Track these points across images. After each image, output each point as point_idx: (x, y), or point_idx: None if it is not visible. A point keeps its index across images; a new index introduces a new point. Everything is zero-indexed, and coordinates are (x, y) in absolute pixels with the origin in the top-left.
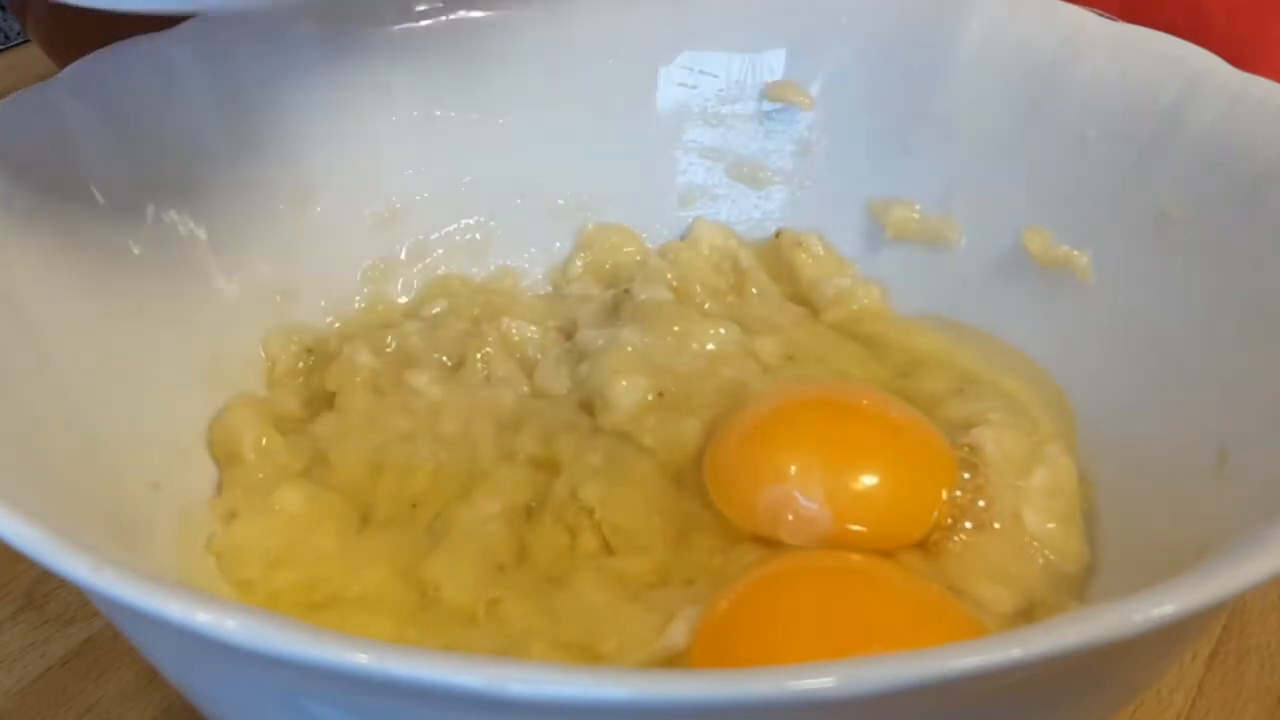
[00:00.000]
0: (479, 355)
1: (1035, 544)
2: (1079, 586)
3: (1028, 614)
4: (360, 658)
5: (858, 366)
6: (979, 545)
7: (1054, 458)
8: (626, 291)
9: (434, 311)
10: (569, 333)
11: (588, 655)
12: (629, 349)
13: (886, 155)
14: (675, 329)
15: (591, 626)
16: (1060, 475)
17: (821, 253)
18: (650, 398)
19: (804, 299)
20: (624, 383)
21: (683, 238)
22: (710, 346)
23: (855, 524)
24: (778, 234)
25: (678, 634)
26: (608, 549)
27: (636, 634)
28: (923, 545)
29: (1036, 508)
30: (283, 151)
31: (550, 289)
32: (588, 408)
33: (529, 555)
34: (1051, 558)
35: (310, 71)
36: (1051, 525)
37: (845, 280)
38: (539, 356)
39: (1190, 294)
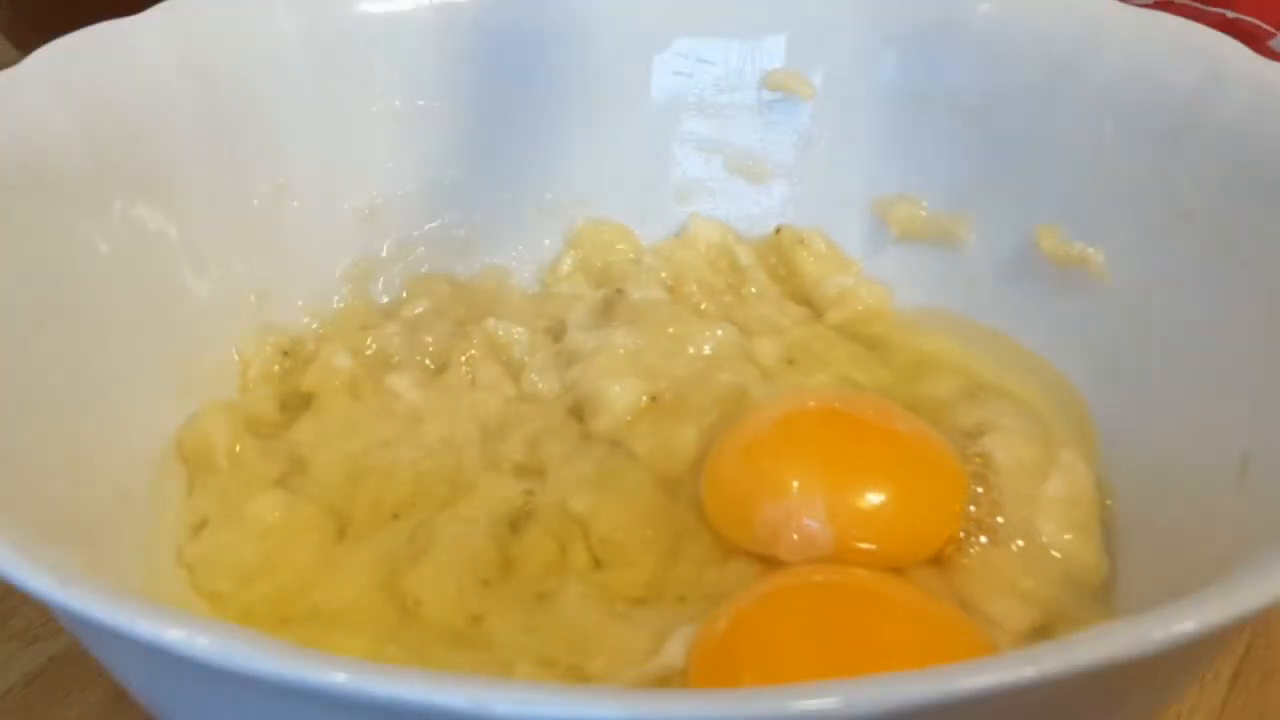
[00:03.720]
0: (463, 358)
1: (1052, 555)
2: (1099, 598)
3: (1047, 629)
4: (338, 677)
5: (861, 370)
6: (994, 558)
7: (1070, 465)
8: (619, 291)
9: (416, 312)
10: (558, 334)
11: (574, 674)
12: (621, 351)
13: (892, 148)
14: (670, 330)
15: (578, 644)
16: (1077, 483)
17: (824, 250)
18: (643, 403)
19: (805, 299)
20: (616, 387)
21: (678, 234)
22: (706, 349)
23: (861, 542)
24: (778, 231)
25: (674, 653)
26: (596, 563)
27: (625, 652)
28: (936, 560)
29: (1052, 517)
30: (258, 143)
31: (538, 288)
32: (577, 413)
33: (514, 568)
34: (1069, 569)
35: (287, 59)
36: (1069, 536)
37: (848, 279)
38: (526, 359)
39: (1210, 294)
